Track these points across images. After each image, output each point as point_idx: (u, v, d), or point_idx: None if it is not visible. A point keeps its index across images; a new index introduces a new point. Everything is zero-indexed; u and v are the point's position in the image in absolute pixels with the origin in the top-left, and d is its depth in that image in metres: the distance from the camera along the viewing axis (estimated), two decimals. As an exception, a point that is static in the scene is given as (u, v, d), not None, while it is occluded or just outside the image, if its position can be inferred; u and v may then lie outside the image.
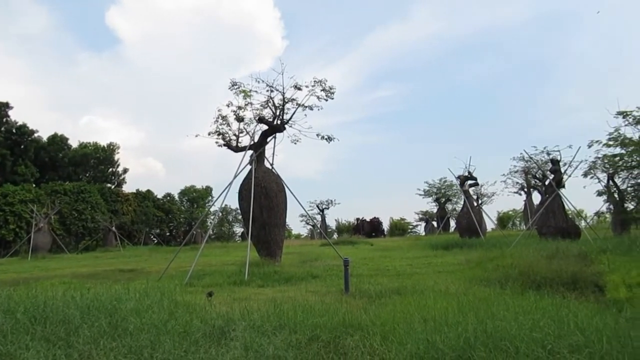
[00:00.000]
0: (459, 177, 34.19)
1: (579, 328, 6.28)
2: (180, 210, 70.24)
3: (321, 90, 18.99)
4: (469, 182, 34.21)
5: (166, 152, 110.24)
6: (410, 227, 70.10)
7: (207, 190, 74.42)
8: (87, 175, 68.12)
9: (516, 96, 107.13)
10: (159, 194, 69.85)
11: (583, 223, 34.38)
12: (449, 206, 56.27)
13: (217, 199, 40.22)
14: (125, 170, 74.03)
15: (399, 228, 67.17)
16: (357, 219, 66.79)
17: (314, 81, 18.94)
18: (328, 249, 24.00)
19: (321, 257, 22.67)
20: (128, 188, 69.59)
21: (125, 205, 60.41)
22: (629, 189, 32.23)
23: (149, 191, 67.40)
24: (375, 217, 66.78)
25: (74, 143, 67.55)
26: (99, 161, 69.16)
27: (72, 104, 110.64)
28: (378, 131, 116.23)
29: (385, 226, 68.41)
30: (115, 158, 71.86)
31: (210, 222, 60.42)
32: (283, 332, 6.12)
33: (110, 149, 70.77)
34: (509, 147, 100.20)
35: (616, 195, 30.71)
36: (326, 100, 19.16)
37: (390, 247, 32.53)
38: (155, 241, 64.29)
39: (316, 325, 6.54)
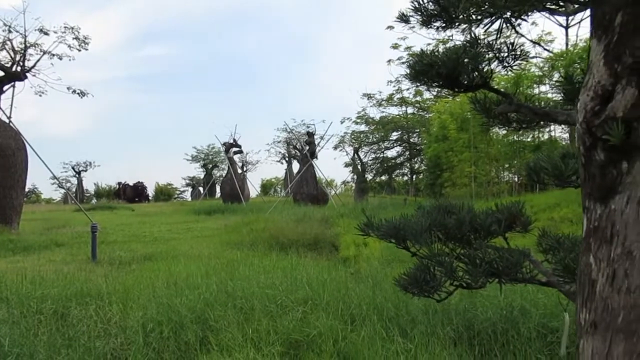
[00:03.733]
0: (224, 144, 34.79)
1: (308, 283, 7.04)
2: None
3: (73, 39, 17.06)
4: (234, 149, 35.08)
5: None
6: (178, 192, 68.92)
7: None
8: None
9: (282, 70, 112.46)
10: None
11: (333, 191, 38.42)
12: (216, 172, 56.93)
13: None
14: None
15: (165, 193, 65.30)
16: (119, 183, 62.63)
17: (65, 27, 16.90)
18: (82, 214, 22.07)
19: (71, 224, 20.75)
20: None
21: None
22: (369, 161, 37.27)
23: None
24: (139, 182, 63.41)
25: None
26: None
27: None
28: (145, 91, 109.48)
29: (151, 191, 65.84)
30: None
31: None
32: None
33: None
34: (274, 118, 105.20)
35: (359, 167, 35.05)
36: (79, 50, 17.32)
37: (153, 212, 31.44)
38: None
39: (45, 296, 5.99)
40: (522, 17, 1.68)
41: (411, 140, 35.60)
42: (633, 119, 1.29)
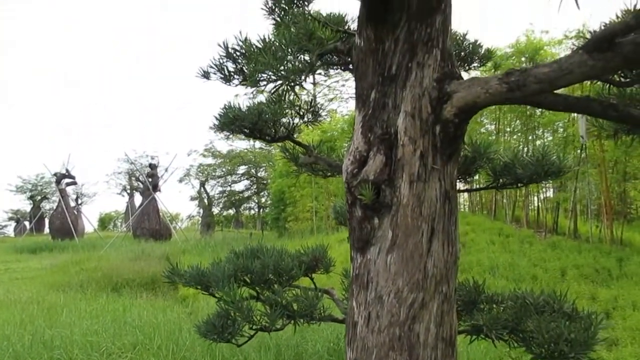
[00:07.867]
0: (55, 175, 31.82)
1: (139, 327, 6.71)
2: None
3: None
4: (67, 180, 32.23)
5: None
6: (-2, 227, 60.98)
7: None
8: None
9: (128, 94, 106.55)
10: None
11: (177, 226, 37.06)
12: (46, 205, 51.60)
13: None
14: None
15: (-19, 228, 57.43)
16: None
17: None
18: None
19: None
20: None
21: None
22: (216, 195, 36.83)
23: None
24: (-56, 215, 55.15)
25: None
26: None
27: None
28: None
29: (-39, 226, 57.36)
30: None
31: None
32: None
33: None
34: (115, 147, 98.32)
35: (206, 201, 34.43)
36: None
37: (-38, 251, 27.34)
38: None
39: None
40: (302, 82, 1.88)
41: (258, 174, 36.04)
42: (381, 182, 1.52)
